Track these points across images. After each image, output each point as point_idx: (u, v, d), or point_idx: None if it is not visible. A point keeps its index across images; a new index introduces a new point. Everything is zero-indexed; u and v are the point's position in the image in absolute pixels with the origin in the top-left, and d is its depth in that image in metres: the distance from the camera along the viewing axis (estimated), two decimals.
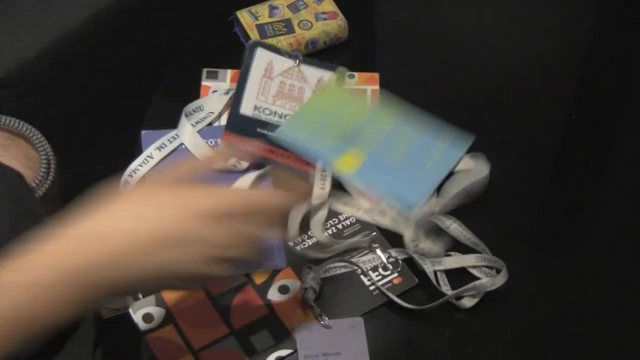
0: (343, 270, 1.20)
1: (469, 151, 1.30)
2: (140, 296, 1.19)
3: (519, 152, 1.34)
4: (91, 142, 1.59)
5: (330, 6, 1.40)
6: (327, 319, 1.15)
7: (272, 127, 1.29)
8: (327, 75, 1.35)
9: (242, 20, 1.40)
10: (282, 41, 1.37)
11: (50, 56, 1.59)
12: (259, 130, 1.29)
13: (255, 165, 1.28)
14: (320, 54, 1.39)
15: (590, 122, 1.37)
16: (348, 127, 1.29)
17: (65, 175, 1.36)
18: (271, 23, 1.39)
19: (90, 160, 1.47)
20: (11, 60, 1.56)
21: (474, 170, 1.26)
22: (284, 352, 1.14)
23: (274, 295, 1.18)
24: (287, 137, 1.28)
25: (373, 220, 1.24)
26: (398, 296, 1.17)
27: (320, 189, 1.25)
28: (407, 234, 1.22)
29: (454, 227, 1.22)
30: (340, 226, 1.24)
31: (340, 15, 1.40)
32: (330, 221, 1.25)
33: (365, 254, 1.21)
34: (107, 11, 1.62)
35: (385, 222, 1.24)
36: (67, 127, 1.62)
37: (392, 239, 1.23)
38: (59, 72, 1.62)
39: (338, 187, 1.26)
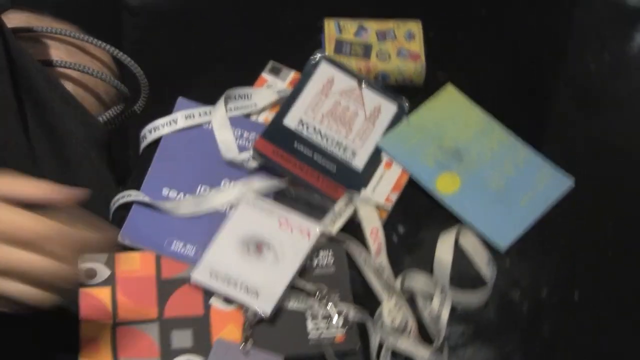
0: (295, 304, 1.15)
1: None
2: None
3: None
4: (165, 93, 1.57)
5: (417, 47, 1.34)
6: (250, 345, 1.11)
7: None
8: (386, 105, 1.30)
9: (326, 29, 1.36)
10: (353, 63, 1.32)
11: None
12: (295, 145, 1.25)
13: (270, 171, 1.24)
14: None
15: None
16: (453, 144, 1.29)
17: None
18: (351, 42, 1.34)
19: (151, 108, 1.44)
20: None
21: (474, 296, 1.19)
22: (193, 358, 1.10)
23: (217, 301, 1.15)
24: (389, 148, 1.27)
25: (366, 274, 1.18)
26: (334, 353, 1.11)
27: (331, 223, 1.20)
28: (387, 306, 1.15)
29: (427, 315, 1.15)
30: (315, 262, 1.18)
31: (422, 60, 1.33)
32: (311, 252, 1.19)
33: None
34: None
35: (375, 283, 1.17)
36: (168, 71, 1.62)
37: (363, 295, 1.18)
38: (182, 16, 1.62)
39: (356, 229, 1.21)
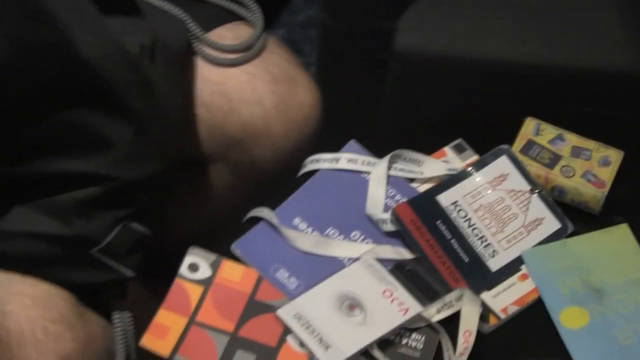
0: None
1: None
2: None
3: None
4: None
5: (607, 176, 1.26)
6: None
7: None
8: (550, 220, 1.24)
9: (524, 126, 1.31)
10: (534, 168, 1.26)
11: None
12: (437, 222, 1.22)
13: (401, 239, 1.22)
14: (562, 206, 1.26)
15: None
16: (599, 282, 1.20)
17: None
18: (542, 147, 1.28)
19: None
20: None
21: None
22: None
23: (293, 340, 1.14)
24: (532, 262, 1.21)
25: None
26: None
27: (436, 310, 1.16)
28: None
29: None
30: (404, 341, 1.14)
31: (605, 190, 1.25)
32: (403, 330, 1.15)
33: None
34: None
35: None
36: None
37: None
38: None
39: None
